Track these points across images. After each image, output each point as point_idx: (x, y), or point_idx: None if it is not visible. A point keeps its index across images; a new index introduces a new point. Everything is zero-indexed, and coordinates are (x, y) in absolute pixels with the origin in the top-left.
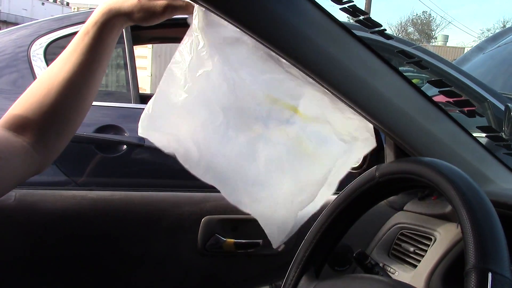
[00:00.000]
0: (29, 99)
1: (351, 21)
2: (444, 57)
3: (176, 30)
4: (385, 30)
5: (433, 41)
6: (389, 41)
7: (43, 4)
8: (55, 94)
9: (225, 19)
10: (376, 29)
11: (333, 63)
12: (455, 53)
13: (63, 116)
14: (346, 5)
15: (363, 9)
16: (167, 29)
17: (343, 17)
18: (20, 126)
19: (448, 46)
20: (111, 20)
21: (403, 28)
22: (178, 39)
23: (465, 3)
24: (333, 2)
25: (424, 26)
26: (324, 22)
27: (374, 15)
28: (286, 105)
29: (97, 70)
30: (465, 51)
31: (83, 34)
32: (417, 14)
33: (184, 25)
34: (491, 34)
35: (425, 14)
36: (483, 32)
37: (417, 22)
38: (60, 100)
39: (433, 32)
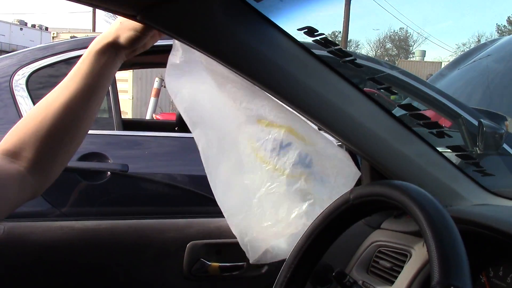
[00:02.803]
0: (26, 125)
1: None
2: (422, 71)
3: (157, 57)
4: (355, 59)
5: (411, 56)
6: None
7: (21, 29)
8: (52, 119)
9: (207, 55)
10: (347, 58)
11: (306, 90)
12: (433, 68)
13: (59, 142)
14: (318, 37)
15: (342, 27)
16: (148, 56)
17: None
18: (16, 151)
19: (426, 61)
20: (102, 48)
21: (381, 44)
22: (159, 64)
23: (440, 19)
24: (306, 34)
25: (402, 42)
26: (298, 53)
27: (352, 33)
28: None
29: (93, 97)
30: (442, 65)
31: (80, 62)
32: (394, 31)
33: (161, 52)
34: (467, 49)
35: (402, 31)
36: (458, 47)
37: (395, 39)
38: (57, 126)
39: (411, 48)
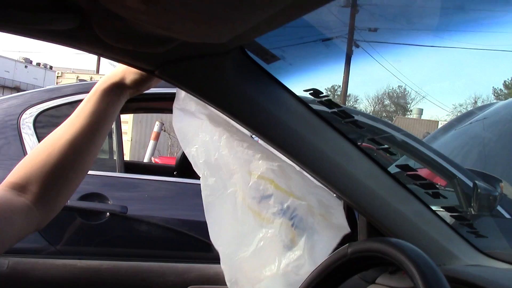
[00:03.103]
0: (33, 159)
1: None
2: (419, 129)
3: (158, 103)
4: (357, 121)
5: (408, 113)
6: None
7: (26, 67)
8: (58, 155)
9: (217, 109)
10: (349, 119)
11: (309, 146)
12: (429, 126)
13: (64, 176)
14: (323, 99)
15: (342, 80)
16: (150, 102)
17: None
18: (23, 185)
19: (423, 119)
20: (108, 88)
21: (380, 101)
22: (161, 110)
23: (438, 80)
24: (311, 96)
25: (400, 100)
26: (304, 112)
27: (351, 88)
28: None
29: (97, 135)
30: (439, 124)
31: (86, 101)
32: (393, 88)
33: (164, 99)
34: (463, 109)
35: (401, 89)
36: (455, 107)
37: (393, 96)
38: (62, 161)
39: (409, 105)
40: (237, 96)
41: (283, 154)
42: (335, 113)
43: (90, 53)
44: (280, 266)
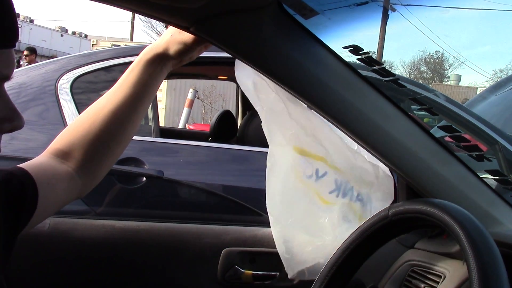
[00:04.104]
0: (76, 128)
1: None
2: (457, 96)
3: (192, 68)
4: (398, 79)
5: (446, 80)
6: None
7: (62, 35)
8: (100, 124)
9: (253, 67)
10: (390, 78)
11: (349, 108)
12: (468, 93)
13: (106, 145)
14: (362, 56)
15: (377, 45)
16: (184, 67)
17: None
18: (66, 153)
19: (461, 86)
20: (151, 58)
21: (416, 67)
22: (195, 75)
23: (478, 44)
24: (351, 53)
25: (437, 66)
26: (342, 70)
27: (387, 54)
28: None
29: (139, 105)
30: (478, 91)
31: (129, 71)
32: (430, 54)
33: (198, 63)
34: (504, 75)
35: (438, 54)
36: (496, 73)
37: (430, 61)
38: (104, 131)
39: (446, 72)
40: (274, 54)
41: (320, 114)
42: (375, 71)
43: (124, 9)
44: (332, 237)
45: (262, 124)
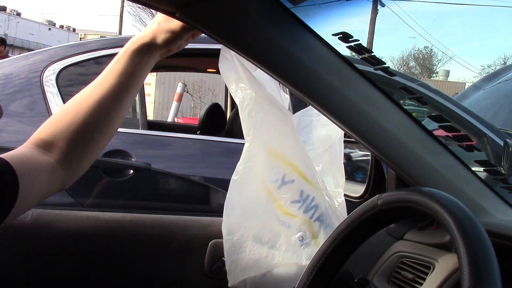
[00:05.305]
0: (59, 119)
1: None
2: (445, 91)
3: (181, 60)
4: (388, 67)
5: (434, 75)
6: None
7: (49, 29)
8: (84, 115)
9: (240, 54)
10: (380, 66)
11: (336, 95)
12: (456, 88)
13: (90, 137)
14: (352, 44)
15: (366, 41)
16: (173, 58)
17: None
18: (48, 143)
19: (449, 81)
20: (138, 48)
21: (404, 62)
22: (184, 68)
23: (466, 40)
24: (340, 40)
25: (426, 61)
26: (332, 58)
27: (376, 50)
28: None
29: (125, 96)
30: (466, 86)
31: (115, 61)
32: (418, 49)
33: (187, 55)
34: (492, 70)
35: (427, 49)
36: (483, 69)
37: (419, 57)
38: (89, 122)
39: (435, 67)
40: (261, 39)
41: (308, 102)
42: (365, 59)
43: None
44: (283, 253)
45: (241, 120)
